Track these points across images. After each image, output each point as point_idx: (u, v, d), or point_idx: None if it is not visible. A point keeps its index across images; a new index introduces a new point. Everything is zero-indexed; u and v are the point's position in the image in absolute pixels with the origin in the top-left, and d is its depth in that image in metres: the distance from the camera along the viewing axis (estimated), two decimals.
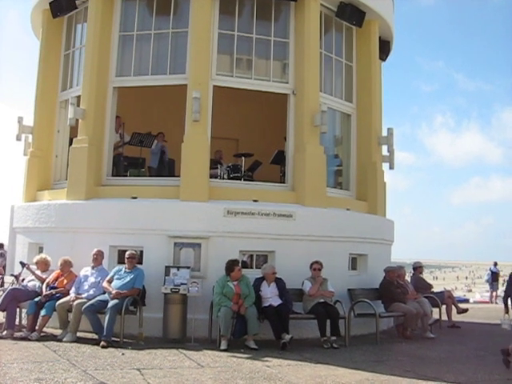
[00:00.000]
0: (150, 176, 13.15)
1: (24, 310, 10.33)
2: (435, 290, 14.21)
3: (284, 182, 12.28)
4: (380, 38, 14.11)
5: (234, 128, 15.76)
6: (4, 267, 17.15)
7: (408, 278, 13.79)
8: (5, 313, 10.10)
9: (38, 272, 10.65)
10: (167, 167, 13.64)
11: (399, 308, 11.15)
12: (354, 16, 12.94)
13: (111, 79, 12.06)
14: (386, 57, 15.07)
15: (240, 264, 10.09)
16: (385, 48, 14.64)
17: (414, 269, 14.00)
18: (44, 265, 10.73)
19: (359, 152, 13.38)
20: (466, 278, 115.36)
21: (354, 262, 12.32)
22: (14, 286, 10.65)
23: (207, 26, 11.55)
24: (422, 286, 13.31)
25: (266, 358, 8.60)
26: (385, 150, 13.78)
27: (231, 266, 9.88)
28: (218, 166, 12.92)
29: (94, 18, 12.01)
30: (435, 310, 12.47)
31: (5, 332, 9.66)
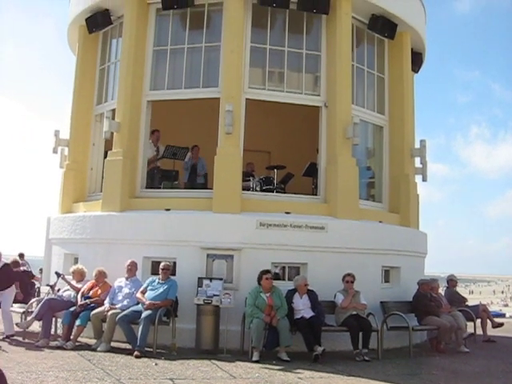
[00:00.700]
0: (185, 188, 13.25)
1: (59, 320, 10.52)
2: (470, 303, 14.02)
3: (316, 195, 12.29)
4: (412, 49, 14.07)
5: (266, 140, 15.83)
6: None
7: (442, 291, 13.63)
8: (41, 322, 10.30)
9: (74, 282, 10.83)
10: (203, 180, 13.72)
11: (433, 321, 11.03)
12: (386, 28, 12.94)
13: (145, 93, 12.26)
14: (419, 68, 15.02)
15: (271, 274, 10.07)
16: (417, 60, 14.60)
17: (448, 282, 13.85)
18: (80, 275, 10.91)
19: (392, 164, 13.32)
20: (502, 292, 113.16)
21: (386, 275, 12.23)
22: (49, 296, 10.84)
23: (240, 39, 11.68)
24: (456, 300, 13.15)
25: (298, 370, 8.59)
26: (418, 161, 13.70)
27: (260, 275, 9.93)
28: (251, 178, 12.97)
29: (129, 33, 12.24)
30: (470, 324, 12.30)
31: (41, 341, 9.84)
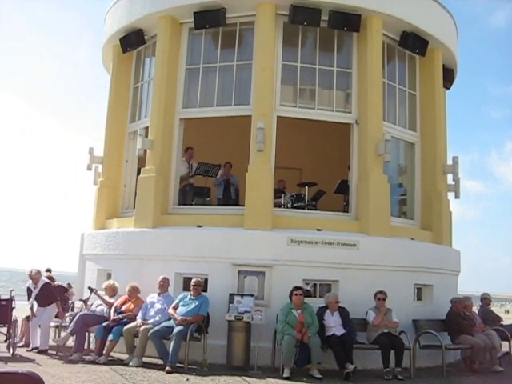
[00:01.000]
0: (217, 205, 13.35)
1: (92, 334, 10.64)
2: (506, 322, 13.76)
3: (347, 212, 12.27)
4: (444, 66, 14.03)
5: (297, 157, 15.87)
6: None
7: (475, 310, 13.40)
8: (74, 337, 10.44)
9: (106, 297, 10.97)
10: (234, 195, 13.81)
11: (466, 340, 10.86)
12: (417, 45, 12.92)
13: (178, 111, 12.43)
14: (451, 85, 14.94)
15: (302, 291, 10.02)
16: (449, 76, 14.54)
17: (482, 300, 13.63)
18: (112, 290, 11.06)
19: (424, 181, 13.25)
20: None
21: (419, 293, 12.11)
22: (84, 312, 10.98)
23: (271, 57, 11.79)
24: (491, 319, 12.92)
25: None
26: (450, 178, 13.60)
27: (291, 290, 9.94)
28: (282, 195, 12.99)
29: (162, 52, 12.45)
30: (504, 343, 12.07)
31: (74, 355, 9.97)
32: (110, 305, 10.78)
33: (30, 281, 11.34)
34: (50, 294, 11.26)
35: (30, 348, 10.95)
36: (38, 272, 11.36)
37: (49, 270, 17.83)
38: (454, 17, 14.29)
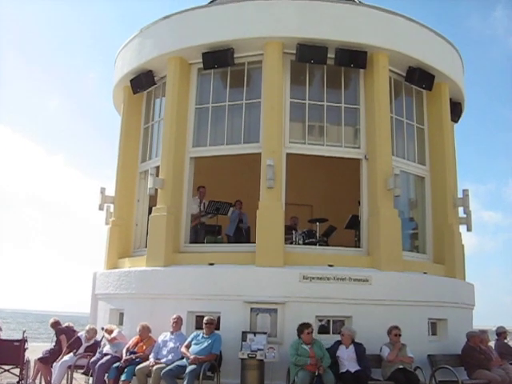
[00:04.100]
0: (228, 243, 13.38)
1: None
2: None
3: (359, 247, 12.24)
4: (451, 100, 14.13)
5: (308, 194, 15.94)
6: None
7: (492, 344, 13.21)
8: (85, 377, 10.44)
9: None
10: (245, 234, 13.86)
11: (483, 375, 10.69)
12: (424, 80, 13.04)
13: (188, 150, 12.56)
14: (459, 118, 15.04)
15: (312, 328, 9.93)
16: (457, 110, 14.65)
17: (498, 334, 13.44)
18: (110, 332, 11.12)
19: (435, 214, 13.23)
20: None
21: (433, 327, 11.97)
22: (100, 362, 10.71)
23: (279, 95, 11.94)
24: (508, 352, 12.71)
25: None
26: (461, 211, 13.58)
27: (301, 328, 9.87)
28: (293, 231, 13.02)
29: (172, 92, 12.64)
30: None
31: None
32: (108, 340, 10.90)
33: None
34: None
35: None
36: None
37: None
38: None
